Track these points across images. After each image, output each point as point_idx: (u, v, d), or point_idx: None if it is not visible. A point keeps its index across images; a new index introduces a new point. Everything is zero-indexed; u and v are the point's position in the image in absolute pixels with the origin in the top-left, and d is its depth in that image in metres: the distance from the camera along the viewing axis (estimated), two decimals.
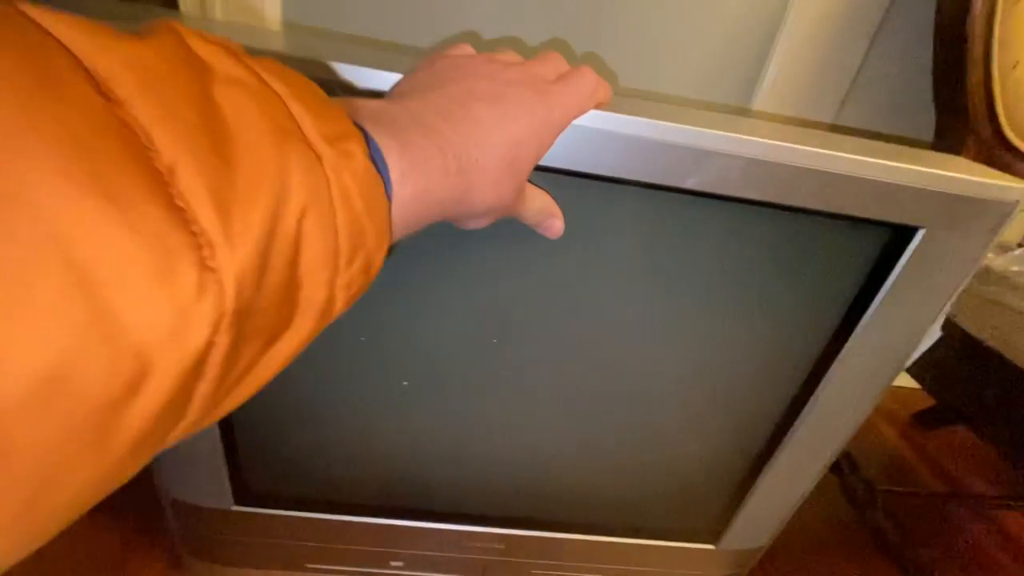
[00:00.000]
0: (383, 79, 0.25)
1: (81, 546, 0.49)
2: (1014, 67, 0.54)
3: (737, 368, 0.36)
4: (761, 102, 0.64)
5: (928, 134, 0.61)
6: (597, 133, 0.26)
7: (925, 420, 0.90)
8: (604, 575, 0.47)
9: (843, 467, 0.62)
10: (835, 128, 0.66)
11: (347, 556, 0.44)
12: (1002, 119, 0.56)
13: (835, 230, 0.30)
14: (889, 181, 0.27)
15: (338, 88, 0.25)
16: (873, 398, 0.36)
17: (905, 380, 0.99)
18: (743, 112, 0.65)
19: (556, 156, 0.26)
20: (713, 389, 0.37)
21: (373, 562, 0.45)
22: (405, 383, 0.35)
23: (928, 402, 0.90)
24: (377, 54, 0.27)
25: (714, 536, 0.45)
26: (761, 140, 0.26)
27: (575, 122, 0.25)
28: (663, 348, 0.35)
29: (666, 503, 0.43)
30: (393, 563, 0.45)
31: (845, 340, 0.33)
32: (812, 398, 0.36)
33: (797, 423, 0.37)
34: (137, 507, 0.52)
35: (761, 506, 0.42)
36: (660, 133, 0.26)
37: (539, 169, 0.26)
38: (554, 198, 0.27)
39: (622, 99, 0.27)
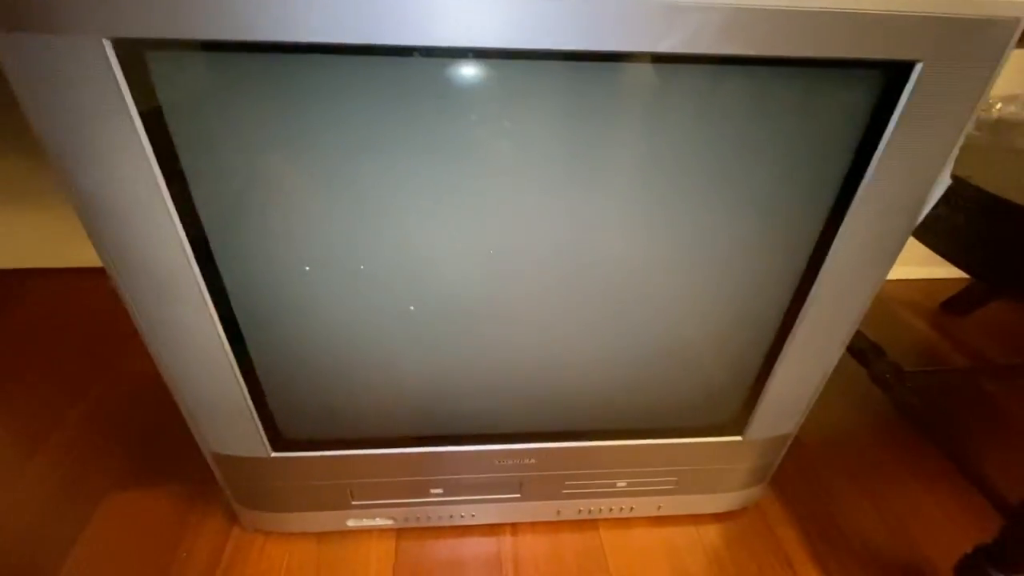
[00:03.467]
0: None
1: (144, 504, 0.52)
2: None
3: (742, 247, 0.35)
4: None
5: None
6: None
7: (954, 306, 0.88)
8: (636, 478, 0.48)
9: (869, 356, 0.62)
10: None
11: (388, 489, 0.46)
12: None
13: (828, 79, 0.29)
14: (879, 11, 0.26)
15: None
16: (885, 262, 0.35)
17: (927, 271, 0.96)
18: None
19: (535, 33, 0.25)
20: (720, 274, 0.36)
21: (414, 492, 0.47)
22: (412, 308, 0.36)
23: (954, 289, 0.88)
24: None
25: (739, 427, 0.45)
26: None
27: None
28: (666, 237, 0.34)
29: (689, 400, 0.43)
30: (433, 491, 0.47)
31: (851, 198, 0.32)
32: (822, 269, 0.35)
33: (809, 299, 0.36)
34: (190, 471, 0.55)
35: (782, 391, 0.42)
36: None
37: (507, 55, 0.26)
38: (531, 84, 0.26)
39: None
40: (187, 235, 0.30)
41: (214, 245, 0.31)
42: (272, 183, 0.30)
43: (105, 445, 0.58)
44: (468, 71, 0.27)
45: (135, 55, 0.25)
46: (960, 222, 0.42)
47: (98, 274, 0.85)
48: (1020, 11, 0.27)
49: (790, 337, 0.39)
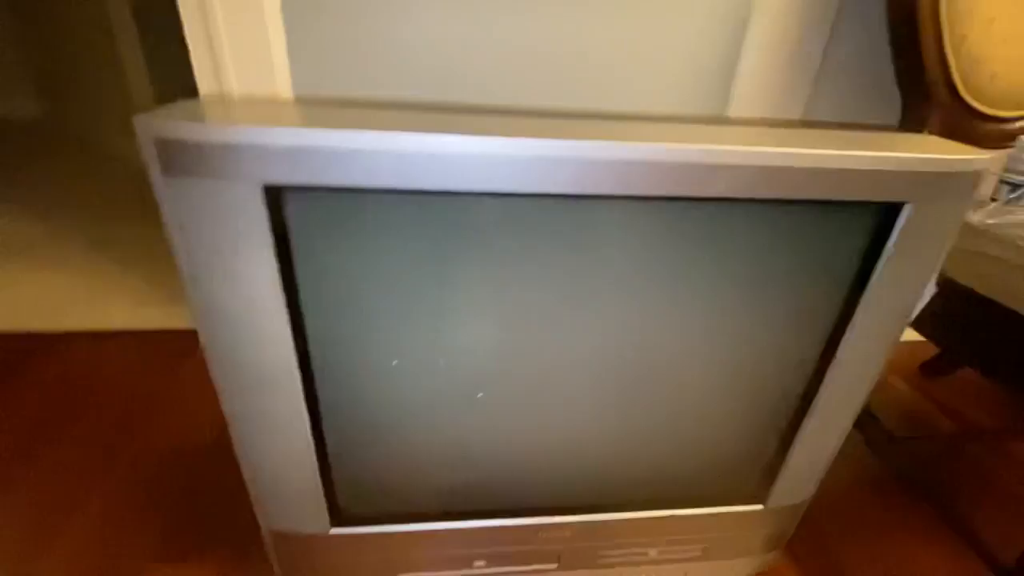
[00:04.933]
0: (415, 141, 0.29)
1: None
2: (963, 40, 0.60)
3: (762, 347, 0.41)
4: (735, 108, 0.69)
5: (892, 116, 0.67)
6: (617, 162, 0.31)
7: (931, 369, 0.95)
8: (665, 546, 0.51)
9: (864, 422, 0.68)
10: (806, 123, 0.72)
11: (434, 562, 0.49)
12: (960, 87, 0.62)
13: (833, 214, 0.35)
14: (874, 168, 0.33)
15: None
16: (885, 353, 0.41)
17: (910, 335, 1.05)
18: (722, 120, 0.71)
19: (597, 184, 0.31)
20: (743, 369, 0.42)
21: (459, 565, 0.49)
22: (480, 395, 0.40)
23: (931, 352, 0.96)
24: (397, 116, 0.32)
25: (762, 497, 0.49)
26: (767, 150, 0.31)
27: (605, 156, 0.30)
28: (693, 341, 0.40)
29: (715, 472, 0.48)
30: (476, 563, 0.49)
31: (855, 307, 0.38)
32: (833, 361, 0.41)
33: (824, 383, 0.42)
34: (231, 539, 0.56)
35: (800, 462, 0.47)
36: (675, 156, 0.31)
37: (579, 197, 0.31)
38: (592, 220, 0.32)
39: (630, 125, 0.32)
40: (295, 343, 0.34)
41: (315, 350, 0.36)
42: (372, 301, 0.35)
43: (139, 516, 0.59)
44: (533, 214, 0.33)
45: (278, 197, 0.30)
46: (940, 310, 0.49)
47: (128, 337, 0.86)
48: (979, 165, 0.34)
49: (808, 415, 0.44)
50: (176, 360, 0.83)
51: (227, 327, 0.33)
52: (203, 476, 0.64)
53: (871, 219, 0.36)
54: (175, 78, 1.41)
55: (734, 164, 0.31)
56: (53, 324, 0.90)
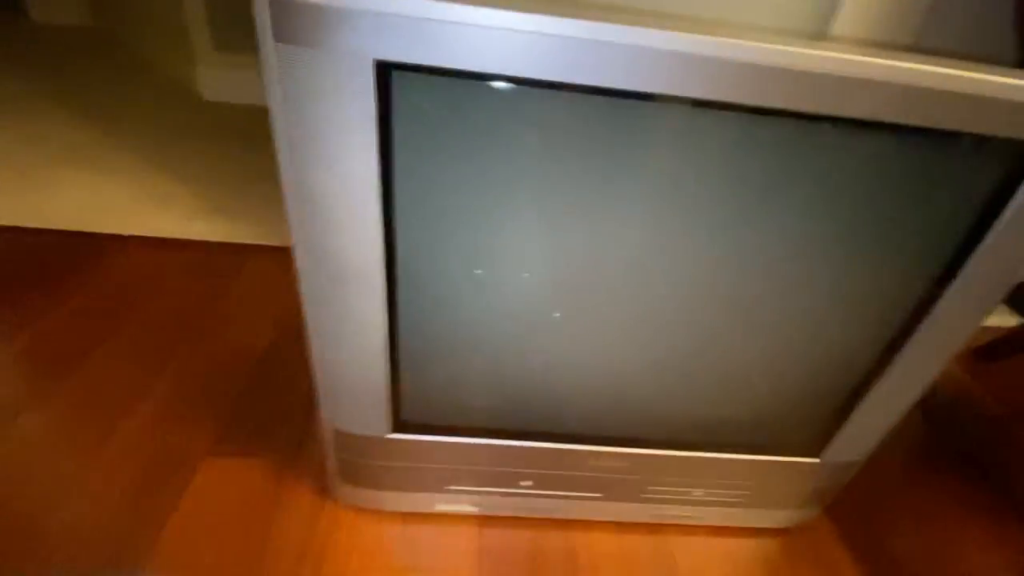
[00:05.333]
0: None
1: (237, 475, 0.55)
2: None
3: (855, 291, 0.39)
4: (839, 27, 0.63)
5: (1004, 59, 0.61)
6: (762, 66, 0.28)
7: (985, 354, 0.92)
8: (712, 488, 0.51)
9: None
10: (919, 50, 0.66)
11: (483, 477, 0.50)
12: None
13: (968, 151, 0.33)
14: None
15: None
16: (984, 313, 0.39)
17: None
18: (828, 38, 0.65)
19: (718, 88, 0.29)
20: (830, 311, 0.40)
21: (505, 483, 0.50)
22: (556, 314, 0.39)
23: (984, 339, 0.92)
24: None
25: (817, 450, 0.49)
26: (925, 68, 0.29)
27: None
28: (784, 275, 0.38)
29: (778, 418, 0.47)
30: (523, 483, 0.50)
31: (966, 259, 0.36)
32: (929, 315, 0.39)
33: (913, 337, 0.40)
34: (284, 438, 0.58)
35: (867, 419, 0.46)
36: (819, 65, 0.29)
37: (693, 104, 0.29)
38: (715, 133, 0.30)
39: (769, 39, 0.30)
40: (383, 230, 0.34)
41: (402, 246, 0.35)
42: (467, 202, 0.33)
43: (194, 413, 0.60)
44: (657, 117, 0.31)
45: (387, 74, 0.29)
46: None
47: (180, 246, 0.88)
48: None
49: (887, 369, 0.42)
50: (228, 272, 0.84)
51: (318, 210, 0.33)
52: (257, 379, 0.66)
53: (1010, 161, 0.33)
54: (232, 6, 1.38)
55: (882, 80, 0.29)
56: (105, 227, 0.91)
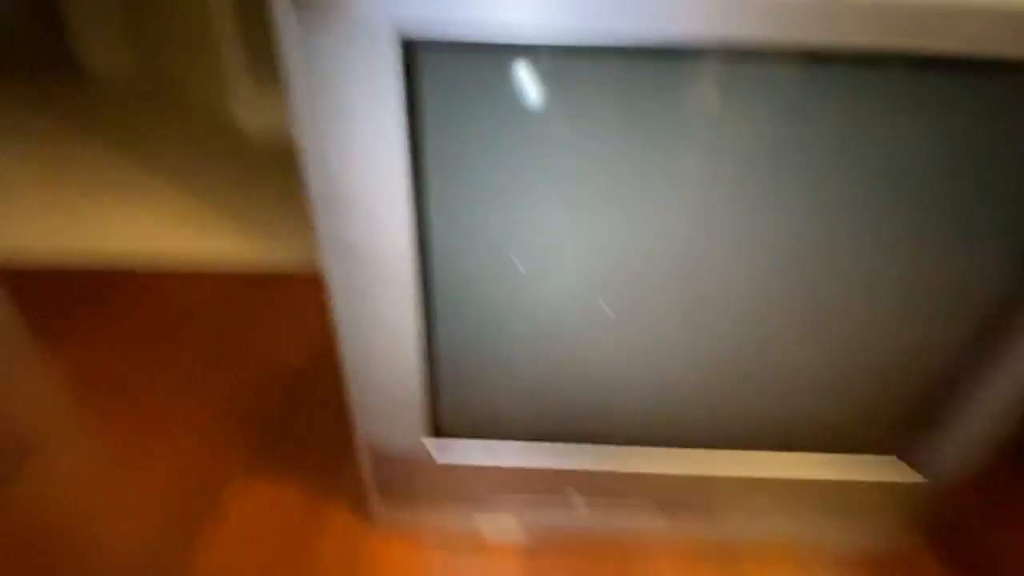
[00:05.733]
0: None
1: (273, 495, 0.52)
2: None
3: (941, 266, 0.34)
4: None
5: None
6: None
7: None
8: (793, 505, 0.45)
9: None
10: None
11: (530, 493, 0.45)
12: None
13: None
14: None
15: None
16: None
17: None
18: None
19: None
20: (913, 288, 0.35)
21: (557, 503, 0.46)
22: (604, 306, 0.35)
23: None
24: None
25: (918, 465, 0.42)
26: None
27: None
28: (859, 243, 0.33)
29: (858, 418, 0.41)
30: (575, 502, 0.46)
31: None
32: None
33: (1007, 333, 0.34)
34: (322, 457, 0.56)
35: (973, 425, 0.39)
36: None
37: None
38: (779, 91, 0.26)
39: None
40: (415, 223, 0.31)
41: (434, 231, 0.32)
42: (504, 184, 0.31)
43: (231, 436, 0.59)
44: (708, 74, 0.28)
45: (414, 50, 0.27)
46: None
47: (218, 276, 0.89)
48: None
49: (987, 365, 0.37)
50: (264, 297, 0.84)
51: (343, 199, 0.31)
52: (293, 399, 0.64)
53: None
54: (266, 40, 1.44)
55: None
56: (145, 258, 0.94)
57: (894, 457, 0.43)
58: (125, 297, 0.83)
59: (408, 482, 0.45)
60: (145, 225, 1.05)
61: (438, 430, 0.42)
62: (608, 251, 0.33)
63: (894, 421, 0.41)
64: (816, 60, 0.27)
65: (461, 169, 0.31)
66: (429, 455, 0.43)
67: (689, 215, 0.32)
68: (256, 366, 0.69)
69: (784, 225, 0.32)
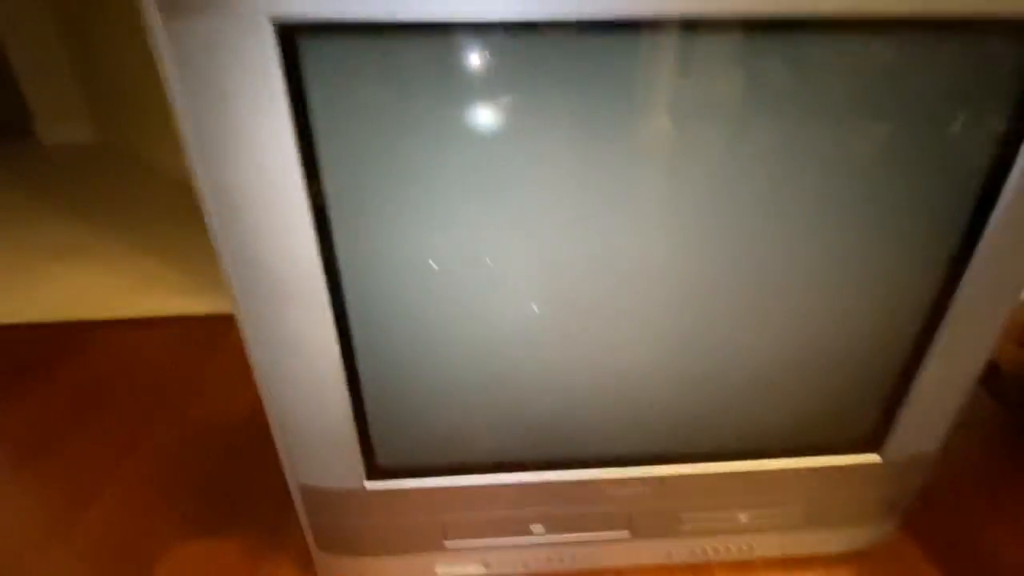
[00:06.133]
0: None
1: (209, 556, 0.47)
2: None
3: (880, 245, 0.33)
4: None
5: None
6: None
7: None
8: (759, 508, 0.43)
9: (986, 371, 0.58)
10: None
11: (485, 526, 0.42)
12: None
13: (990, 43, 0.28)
14: None
15: None
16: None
17: None
18: None
19: None
20: (862, 270, 0.34)
21: (513, 530, 0.42)
22: (535, 308, 0.34)
23: None
24: None
25: (877, 444, 0.41)
26: None
27: None
28: (807, 235, 0.32)
29: (820, 413, 0.39)
30: (533, 528, 0.42)
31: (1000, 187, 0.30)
32: (970, 265, 0.33)
33: (955, 297, 0.34)
34: (261, 513, 0.51)
35: (923, 404, 0.38)
36: None
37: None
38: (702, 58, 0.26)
39: None
40: (315, 226, 0.29)
41: (340, 239, 0.30)
42: (409, 176, 0.29)
43: (164, 496, 0.54)
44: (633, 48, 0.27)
45: (291, 37, 0.25)
46: None
47: (164, 325, 0.85)
48: None
49: (933, 344, 0.36)
50: (211, 344, 0.80)
51: (239, 214, 0.29)
52: (232, 455, 0.60)
53: None
54: None
55: None
56: (93, 314, 0.89)
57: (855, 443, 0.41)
58: (67, 351, 0.78)
59: (349, 525, 0.41)
60: (90, 282, 1.01)
61: (377, 471, 0.39)
62: (540, 251, 0.32)
63: (852, 418, 0.39)
64: (744, 30, 0.27)
65: (363, 167, 0.29)
66: (368, 498, 0.39)
67: (628, 205, 0.31)
68: (194, 421, 0.64)
69: (733, 210, 0.31)
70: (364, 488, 0.39)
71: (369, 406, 0.37)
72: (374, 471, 0.39)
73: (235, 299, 0.31)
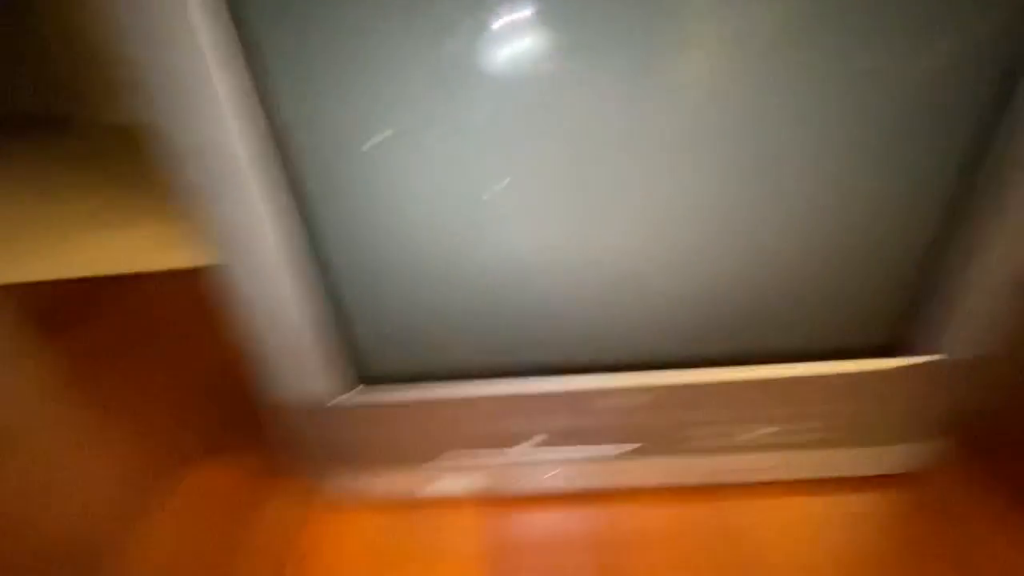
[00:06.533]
0: None
1: (217, 479, 0.48)
2: None
3: (916, 99, 0.27)
4: None
5: None
6: None
7: None
8: (782, 423, 0.38)
9: None
10: None
11: (480, 438, 0.40)
12: None
13: None
14: None
15: None
16: None
17: None
18: None
19: None
20: (897, 134, 0.28)
21: (508, 442, 0.40)
22: (503, 184, 0.30)
23: None
24: None
25: (928, 344, 0.35)
26: None
27: None
28: (836, 103, 0.27)
29: (850, 307, 0.34)
30: (529, 440, 0.40)
31: None
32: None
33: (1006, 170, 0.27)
34: (260, 447, 0.52)
35: (995, 283, 0.32)
36: None
37: None
38: None
39: None
40: (262, 112, 0.26)
41: (285, 122, 0.27)
42: (351, 30, 0.26)
43: (176, 427, 0.56)
44: None
45: None
46: None
47: (188, 275, 0.87)
48: None
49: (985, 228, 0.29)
50: None
51: (170, 100, 0.26)
52: (242, 393, 0.61)
53: None
54: None
55: None
56: (119, 269, 0.93)
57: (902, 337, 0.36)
58: (107, 303, 0.82)
59: (336, 439, 0.40)
60: (118, 242, 1.05)
61: (365, 377, 0.37)
62: (538, 109, 0.28)
63: (884, 312, 0.34)
64: None
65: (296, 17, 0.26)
66: (355, 406, 0.38)
67: (637, 64, 0.26)
68: (221, 359, 0.66)
69: (723, 70, 0.26)
70: (350, 399, 0.37)
71: (351, 304, 0.34)
72: (363, 380, 0.37)
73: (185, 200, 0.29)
